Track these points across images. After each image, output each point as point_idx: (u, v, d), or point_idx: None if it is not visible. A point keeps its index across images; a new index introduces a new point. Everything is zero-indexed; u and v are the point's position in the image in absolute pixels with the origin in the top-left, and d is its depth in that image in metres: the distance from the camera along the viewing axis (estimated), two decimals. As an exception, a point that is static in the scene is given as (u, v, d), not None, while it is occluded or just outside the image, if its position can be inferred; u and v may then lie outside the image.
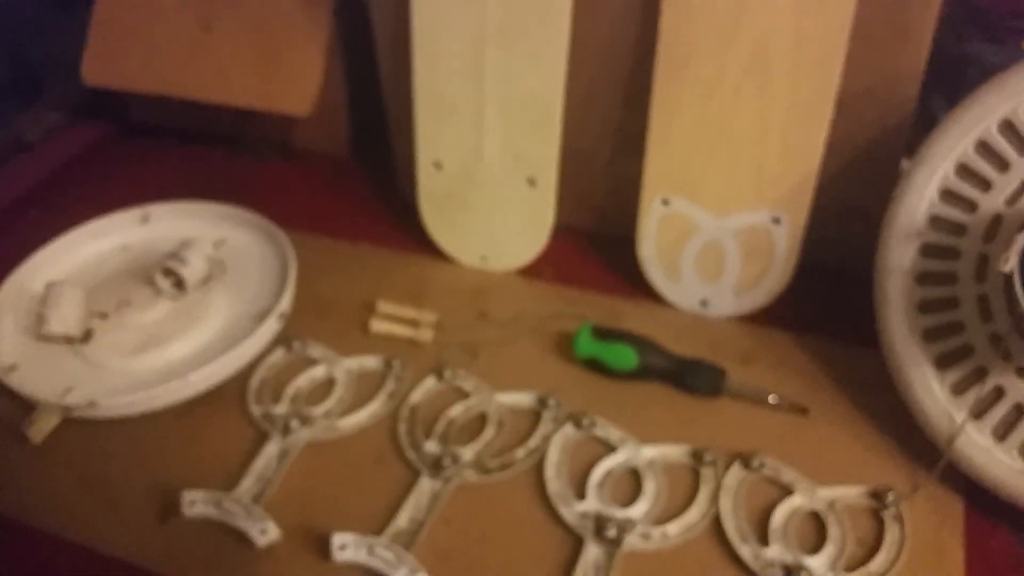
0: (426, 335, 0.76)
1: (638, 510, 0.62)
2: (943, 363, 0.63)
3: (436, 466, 0.65)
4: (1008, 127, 0.60)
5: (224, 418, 0.70)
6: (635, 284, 0.81)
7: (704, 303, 0.79)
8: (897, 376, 0.65)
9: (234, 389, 0.72)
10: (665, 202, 0.77)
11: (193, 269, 0.75)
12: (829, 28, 0.67)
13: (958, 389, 0.62)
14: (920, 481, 0.63)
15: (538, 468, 0.66)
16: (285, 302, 0.75)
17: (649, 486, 0.64)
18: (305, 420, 0.69)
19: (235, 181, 0.97)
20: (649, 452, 0.66)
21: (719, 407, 0.70)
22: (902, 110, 0.72)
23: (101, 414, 0.68)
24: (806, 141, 0.71)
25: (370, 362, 0.75)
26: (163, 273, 0.75)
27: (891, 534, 0.60)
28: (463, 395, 0.72)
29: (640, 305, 0.80)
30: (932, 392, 0.63)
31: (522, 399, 0.71)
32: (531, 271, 0.84)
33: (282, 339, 0.76)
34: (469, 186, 0.82)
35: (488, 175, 0.80)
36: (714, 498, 0.63)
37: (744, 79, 0.71)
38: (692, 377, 0.71)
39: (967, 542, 0.60)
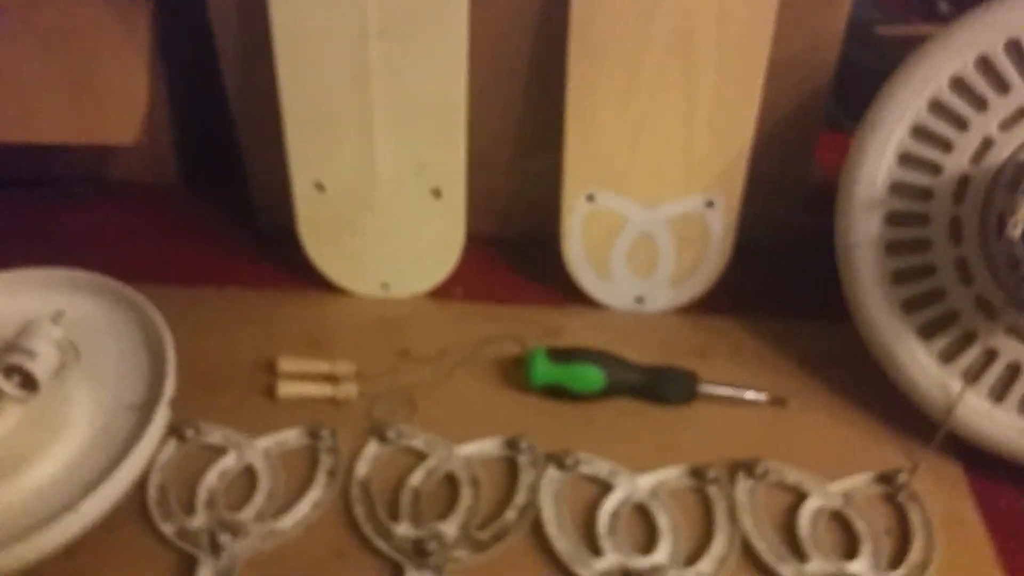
0: (349, 390, 0.64)
1: (663, 553, 0.55)
2: (928, 332, 0.61)
3: (420, 553, 0.54)
4: (959, 84, 0.59)
5: (128, 549, 0.54)
6: (559, 289, 0.74)
7: (639, 299, 0.73)
8: (879, 351, 0.63)
9: (129, 507, 0.56)
10: (590, 198, 0.69)
11: (44, 360, 0.57)
12: (758, -6, 0.62)
13: (947, 356, 0.61)
14: (919, 456, 0.61)
15: (536, 528, 0.56)
16: (170, 383, 0.59)
17: (663, 521, 0.57)
18: (235, 530, 0.55)
19: (47, 232, 0.77)
20: (647, 481, 0.59)
21: (695, 413, 0.65)
22: (822, 75, 0.69)
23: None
24: (736, 117, 0.66)
25: (290, 437, 0.62)
26: (4, 373, 0.56)
27: (915, 517, 0.58)
28: (418, 456, 0.61)
29: (573, 313, 0.73)
30: (920, 363, 0.61)
31: (488, 447, 0.61)
32: (441, 293, 0.74)
33: (169, 431, 0.60)
34: (360, 207, 0.69)
35: (383, 192, 0.69)
36: (732, 518, 0.57)
37: (667, 59, 0.64)
38: (663, 387, 0.64)
39: (980, 508, 0.59)
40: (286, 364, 0.66)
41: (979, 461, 0.61)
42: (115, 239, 0.78)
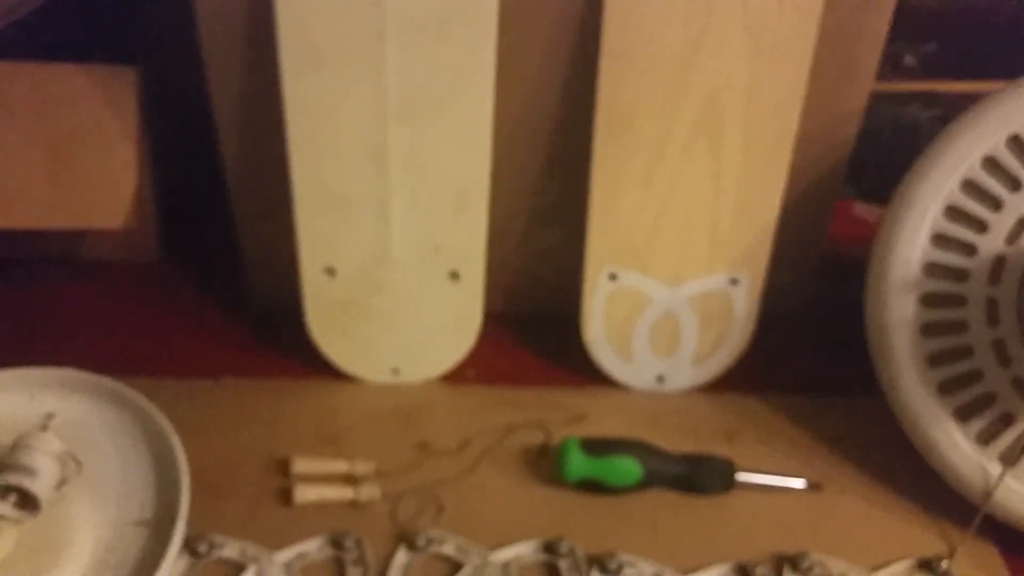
0: (372, 492, 0.60)
1: (722, 662, 0.53)
2: (965, 414, 0.60)
3: (469, 677, 0.51)
4: (992, 163, 0.59)
5: None
6: (575, 368, 0.71)
7: (660, 379, 0.70)
8: (915, 433, 0.61)
9: (143, 640, 0.51)
10: (612, 276, 0.67)
11: (44, 478, 0.51)
12: (787, 73, 0.61)
13: (985, 438, 0.60)
14: (958, 540, 0.60)
15: (587, 640, 0.54)
16: (184, 498, 0.54)
17: (717, 626, 0.55)
18: (264, 659, 0.51)
19: (20, 319, 0.71)
20: (695, 582, 0.57)
21: (733, 503, 0.62)
22: (843, 149, 0.68)
23: None
24: (762, 195, 0.65)
25: (312, 548, 0.57)
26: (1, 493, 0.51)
27: (962, 607, 0.57)
28: (451, 564, 0.57)
29: (593, 394, 0.70)
30: (958, 446, 0.60)
31: (526, 552, 0.58)
32: (455, 376, 0.70)
33: (182, 547, 0.55)
34: (373, 290, 0.66)
35: (398, 275, 0.65)
36: (785, 619, 0.55)
37: (694, 136, 0.63)
38: (702, 478, 0.62)
39: (1018, 590, 0.59)
40: (301, 465, 0.61)
41: (1016, 543, 0.61)
42: (95, 325, 0.73)
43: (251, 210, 0.69)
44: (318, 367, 0.69)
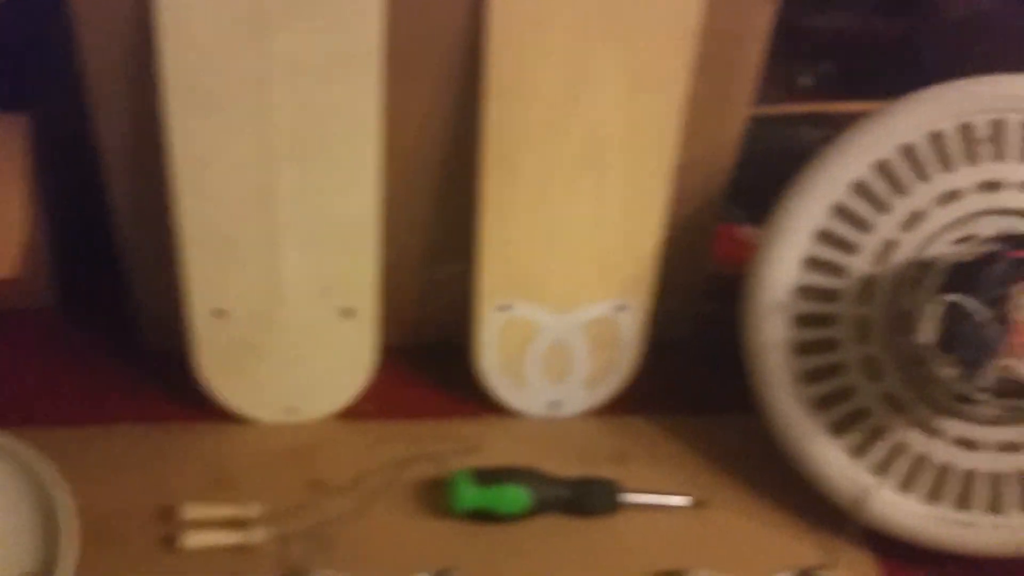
0: (257, 536, 0.60)
1: None
2: (838, 429, 0.63)
3: None
4: (860, 188, 0.61)
5: None
6: (472, 398, 0.72)
7: (554, 404, 0.72)
8: (790, 449, 0.64)
9: None
10: (504, 308, 0.68)
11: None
12: (663, 107, 0.63)
13: (858, 451, 0.62)
14: (835, 549, 0.63)
15: (475, 671, 0.55)
16: (64, 551, 0.54)
17: (603, 650, 0.56)
18: None
19: None
20: (583, 606, 0.58)
21: (620, 524, 0.64)
22: (719, 179, 0.71)
23: None
24: (645, 223, 0.67)
25: (201, 593, 0.57)
26: None
27: (842, 617, 0.59)
28: (342, 602, 0.57)
29: (489, 423, 0.71)
30: (831, 460, 0.63)
31: (416, 585, 0.59)
32: (351, 413, 0.70)
33: (61, 595, 0.55)
34: (265, 331, 0.66)
35: (290, 315, 0.65)
36: (670, 639, 0.57)
37: (577, 169, 0.65)
38: (588, 500, 0.64)
39: (891, 593, 0.61)
40: (188, 511, 0.61)
41: (891, 550, 0.63)
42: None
43: (141, 253, 0.69)
44: (211, 411, 0.69)
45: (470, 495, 0.62)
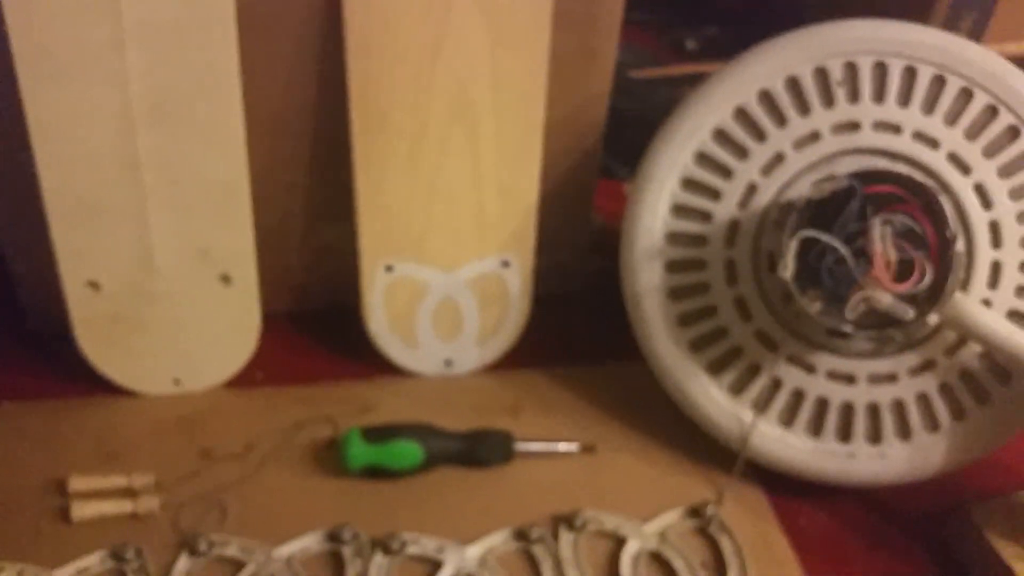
0: (150, 503, 0.59)
1: (498, 623, 0.56)
2: (716, 368, 0.65)
3: (249, 671, 0.51)
4: (721, 135, 0.63)
5: None
6: (366, 361, 0.72)
7: (448, 363, 0.73)
8: (674, 391, 0.66)
9: None
10: (389, 268, 0.69)
11: None
12: (528, 62, 0.64)
13: (737, 389, 0.65)
14: (723, 486, 0.65)
15: (369, 620, 0.55)
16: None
17: (494, 591, 0.57)
18: None
19: None
20: (474, 551, 0.59)
21: (514, 472, 0.65)
22: (594, 133, 0.72)
23: None
24: (521, 179, 0.68)
25: (92, 563, 0.56)
26: None
27: (726, 546, 0.61)
28: (234, 565, 0.57)
29: (383, 384, 0.71)
30: (712, 398, 0.65)
31: (309, 543, 0.59)
32: (241, 380, 0.70)
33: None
34: (142, 302, 0.65)
35: (166, 284, 0.65)
36: (560, 574, 0.59)
37: (449, 126, 0.65)
38: (480, 451, 0.65)
39: (784, 528, 0.64)
40: (77, 483, 0.60)
41: (778, 484, 0.66)
42: None
43: (15, 227, 0.67)
44: (99, 386, 0.68)
45: (361, 452, 0.62)
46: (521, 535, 0.61)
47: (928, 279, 0.56)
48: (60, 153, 0.60)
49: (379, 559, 0.58)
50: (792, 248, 0.56)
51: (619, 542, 0.61)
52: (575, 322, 0.78)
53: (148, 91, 0.59)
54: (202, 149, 0.61)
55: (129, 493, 0.60)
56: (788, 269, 0.56)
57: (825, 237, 0.56)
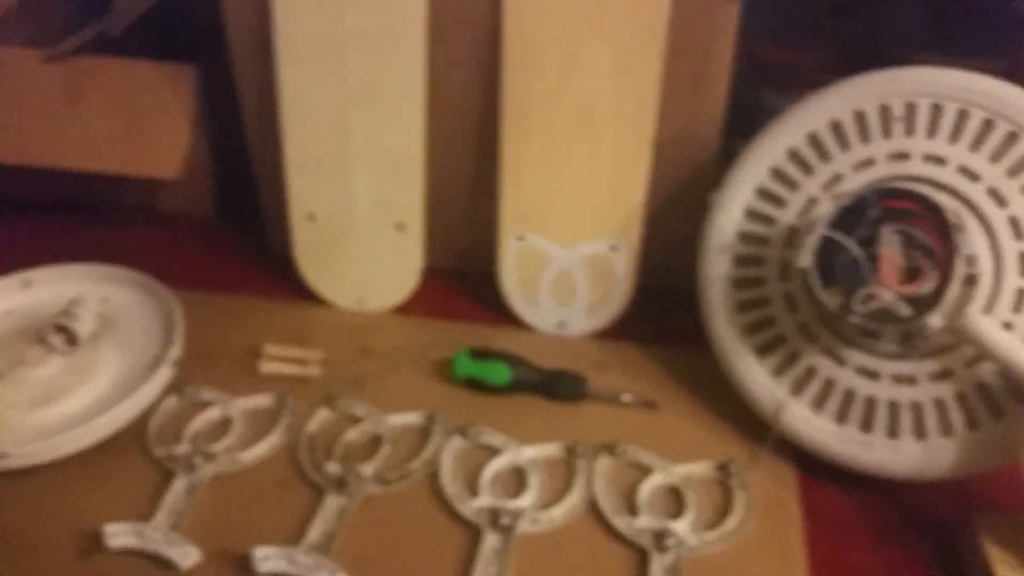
0: (314, 371, 0.83)
1: (526, 500, 0.71)
2: (762, 352, 0.76)
3: (340, 484, 0.71)
4: (794, 155, 0.75)
5: (128, 461, 0.73)
6: (499, 313, 0.91)
7: (561, 324, 0.89)
8: (726, 367, 0.78)
9: (133, 436, 0.75)
10: (520, 238, 0.87)
11: (84, 323, 0.78)
12: (642, 85, 0.81)
13: (778, 372, 0.75)
14: (756, 453, 0.76)
15: (434, 476, 0.73)
16: (176, 348, 0.79)
17: (533, 480, 0.73)
18: (208, 456, 0.73)
19: (105, 246, 0.99)
20: (530, 452, 0.75)
21: (583, 409, 0.81)
22: (707, 150, 0.86)
23: (5, 465, 0.69)
24: (631, 181, 0.84)
25: (263, 400, 0.80)
26: (55, 330, 0.77)
27: (739, 499, 0.72)
28: (356, 421, 0.78)
29: (506, 331, 0.90)
30: (756, 377, 0.76)
31: (412, 419, 0.79)
32: (405, 309, 0.92)
33: (173, 388, 0.80)
34: (342, 235, 0.89)
35: (359, 224, 0.88)
36: (589, 483, 0.73)
37: (574, 131, 0.83)
38: (558, 386, 0.81)
39: (802, 499, 0.73)
40: (269, 349, 0.85)
41: (809, 463, 0.75)
42: (156, 255, 0.99)
43: (266, 175, 0.94)
44: (306, 295, 0.93)
45: (465, 365, 0.81)
46: (569, 450, 0.75)
47: (931, 285, 0.65)
48: (297, 119, 0.85)
49: (456, 440, 0.76)
50: (811, 243, 0.67)
51: (646, 473, 0.74)
52: (673, 313, 0.90)
53: (359, 78, 0.83)
54: (392, 128, 0.84)
55: (301, 363, 0.83)
56: (805, 260, 0.67)
57: (840, 236, 0.66)
